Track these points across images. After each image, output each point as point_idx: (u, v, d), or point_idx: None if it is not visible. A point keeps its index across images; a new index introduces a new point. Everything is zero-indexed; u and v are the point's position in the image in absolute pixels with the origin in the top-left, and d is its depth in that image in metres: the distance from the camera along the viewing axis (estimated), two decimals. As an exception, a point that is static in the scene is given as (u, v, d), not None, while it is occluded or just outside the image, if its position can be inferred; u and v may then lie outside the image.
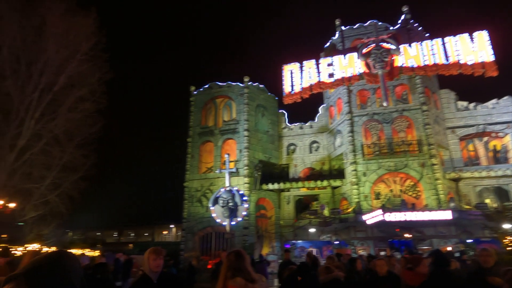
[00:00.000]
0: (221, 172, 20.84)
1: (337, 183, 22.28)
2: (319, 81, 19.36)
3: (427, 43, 17.97)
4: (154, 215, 53.07)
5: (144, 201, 78.67)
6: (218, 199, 19.54)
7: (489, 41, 16.89)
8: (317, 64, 19.67)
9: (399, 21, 22.87)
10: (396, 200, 20.08)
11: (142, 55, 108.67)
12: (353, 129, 22.01)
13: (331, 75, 19.20)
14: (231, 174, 20.75)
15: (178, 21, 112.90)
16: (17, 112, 20.14)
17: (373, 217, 17.47)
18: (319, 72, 19.46)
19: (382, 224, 17.68)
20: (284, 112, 26.75)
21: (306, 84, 19.58)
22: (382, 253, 17.89)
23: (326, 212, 20.79)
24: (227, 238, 20.49)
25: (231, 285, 2.75)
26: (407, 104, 21.82)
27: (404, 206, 18.21)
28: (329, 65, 19.34)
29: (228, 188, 19.66)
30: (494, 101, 22.52)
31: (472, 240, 17.31)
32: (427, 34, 21.62)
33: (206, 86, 26.02)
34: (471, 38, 17.25)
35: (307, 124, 25.89)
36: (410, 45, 18.22)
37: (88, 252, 24.21)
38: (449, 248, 16.80)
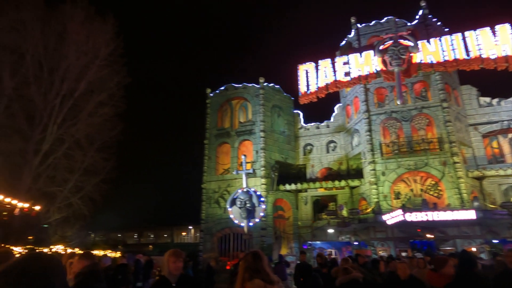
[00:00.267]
0: (238, 173, 20.91)
1: (355, 183, 21.97)
2: (335, 80, 19.18)
3: (446, 38, 17.52)
4: (172, 216, 53.75)
5: (163, 202, 79.62)
6: (235, 200, 19.60)
7: (513, 34, 16.34)
8: (333, 63, 19.48)
9: (417, 17, 22.38)
10: (417, 199, 19.59)
11: (158, 58, 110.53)
12: (371, 128, 21.65)
13: (347, 74, 18.98)
14: (248, 175, 20.79)
15: (193, 25, 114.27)
16: (41, 118, 20.85)
17: (393, 217, 17.10)
18: (335, 71, 19.27)
19: (402, 224, 17.28)
20: (300, 112, 26.62)
21: (322, 84, 19.43)
22: (404, 253, 17.53)
23: (344, 212, 20.51)
24: (245, 239, 20.53)
25: (249, 286, 2.72)
26: (426, 102, 21.30)
27: (425, 205, 17.72)
28: (345, 63, 19.12)
29: (245, 189, 19.69)
30: (519, 96, 21.72)
31: (498, 241, 16.74)
32: (446, 29, 21.07)
33: (222, 88, 26.15)
34: (493, 32, 16.76)
35: (323, 123, 25.63)
36: (428, 41, 17.81)
37: (110, 253, 24.78)
38: (474, 249, 16.31)
